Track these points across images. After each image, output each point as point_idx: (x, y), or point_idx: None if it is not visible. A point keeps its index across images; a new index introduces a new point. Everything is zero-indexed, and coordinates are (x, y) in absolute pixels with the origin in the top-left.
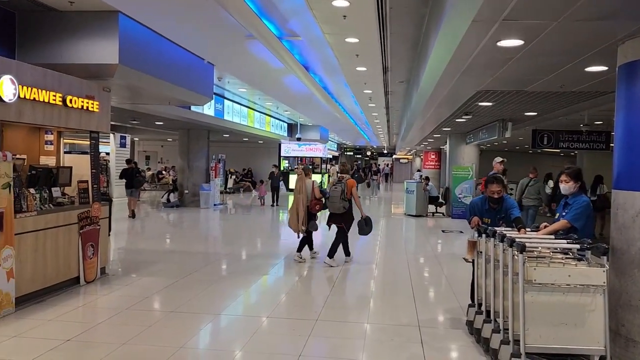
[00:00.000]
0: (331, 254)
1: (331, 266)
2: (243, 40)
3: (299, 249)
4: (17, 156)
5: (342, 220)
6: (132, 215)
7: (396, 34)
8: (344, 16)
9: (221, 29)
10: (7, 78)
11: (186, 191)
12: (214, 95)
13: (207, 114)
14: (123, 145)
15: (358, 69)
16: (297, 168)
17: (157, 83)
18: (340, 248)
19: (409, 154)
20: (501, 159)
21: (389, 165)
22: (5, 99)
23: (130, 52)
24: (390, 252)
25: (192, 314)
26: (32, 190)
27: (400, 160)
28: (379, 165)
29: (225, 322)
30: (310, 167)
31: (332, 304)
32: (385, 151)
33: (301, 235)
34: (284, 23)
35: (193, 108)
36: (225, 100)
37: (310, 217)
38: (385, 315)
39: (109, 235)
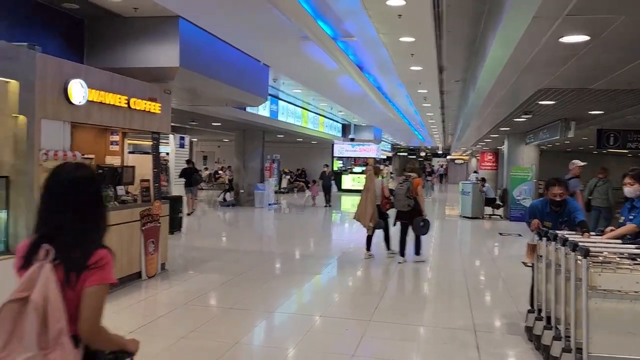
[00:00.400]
0: (417, 250)
1: (422, 261)
2: (298, 42)
3: (387, 247)
4: (86, 156)
5: (409, 218)
6: (190, 212)
7: (452, 32)
8: (399, 15)
9: (277, 31)
10: (77, 82)
11: (242, 191)
12: (268, 96)
13: (262, 115)
14: (182, 145)
15: (413, 68)
16: (351, 165)
17: (214, 84)
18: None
19: (464, 154)
20: (582, 163)
21: (444, 166)
22: (75, 101)
23: (189, 55)
24: (445, 253)
25: (246, 311)
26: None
27: (455, 160)
28: (433, 166)
29: (279, 320)
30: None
31: (385, 305)
32: (439, 152)
33: (374, 232)
34: (338, 24)
35: (248, 109)
36: (280, 101)
37: (381, 216)
38: (440, 317)
39: (181, 231)
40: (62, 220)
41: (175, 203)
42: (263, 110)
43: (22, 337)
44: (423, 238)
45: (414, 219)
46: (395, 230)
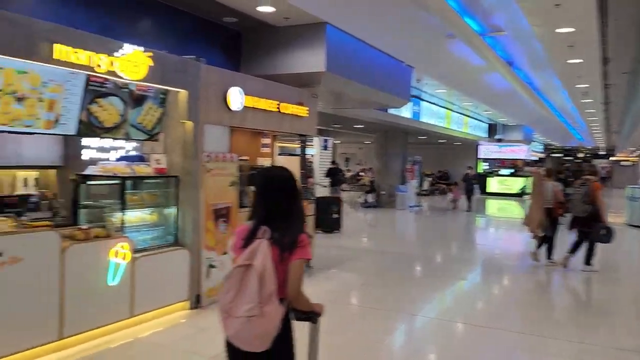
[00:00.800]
0: (588, 259)
1: (592, 271)
2: (443, 40)
3: (548, 255)
4: (241, 157)
5: (586, 225)
6: None
7: (621, 19)
8: (557, 4)
9: (421, 31)
10: (235, 90)
11: (383, 192)
12: (411, 97)
13: (404, 116)
14: (325, 147)
15: (571, 61)
16: (533, 169)
17: (358, 87)
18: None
19: (633, 155)
20: None
21: (606, 169)
22: (234, 107)
23: (335, 60)
24: (611, 264)
25: (388, 311)
26: (252, 188)
27: (621, 162)
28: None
29: (420, 323)
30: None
31: (538, 316)
32: (601, 152)
33: (545, 239)
34: (486, 19)
35: (390, 110)
36: (422, 102)
37: (553, 222)
38: (605, 336)
39: (339, 231)
40: (274, 210)
41: (331, 204)
42: (405, 111)
43: (246, 293)
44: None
45: (594, 227)
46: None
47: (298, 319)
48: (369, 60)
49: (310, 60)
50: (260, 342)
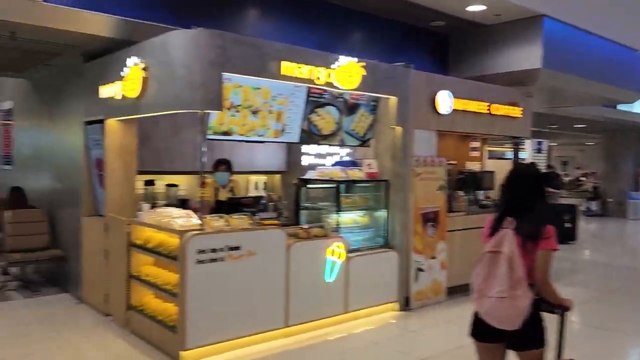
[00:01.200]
0: None
1: None
2: None
3: None
4: (449, 162)
5: None
6: None
7: None
8: None
9: None
10: (444, 93)
11: (610, 199)
12: None
13: (638, 112)
14: (539, 150)
15: None
16: None
17: (580, 83)
18: None
19: None
20: None
21: None
22: (442, 111)
23: (552, 54)
24: None
25: (617, 333)
26: (460, 193)
27: None
28: None
29: None
30: None
31: None
32: None
33: None
34: None
35: (620, 106)
36: None
37: None
38: None
39: (574, 242)
40: (520, 203)
41: (563, 212)
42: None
43: (496, 277)
44: None
45: None
46: None
47: (545, 311)
48: (593, 50)
49: (524, 57)
50: (510, 321)
